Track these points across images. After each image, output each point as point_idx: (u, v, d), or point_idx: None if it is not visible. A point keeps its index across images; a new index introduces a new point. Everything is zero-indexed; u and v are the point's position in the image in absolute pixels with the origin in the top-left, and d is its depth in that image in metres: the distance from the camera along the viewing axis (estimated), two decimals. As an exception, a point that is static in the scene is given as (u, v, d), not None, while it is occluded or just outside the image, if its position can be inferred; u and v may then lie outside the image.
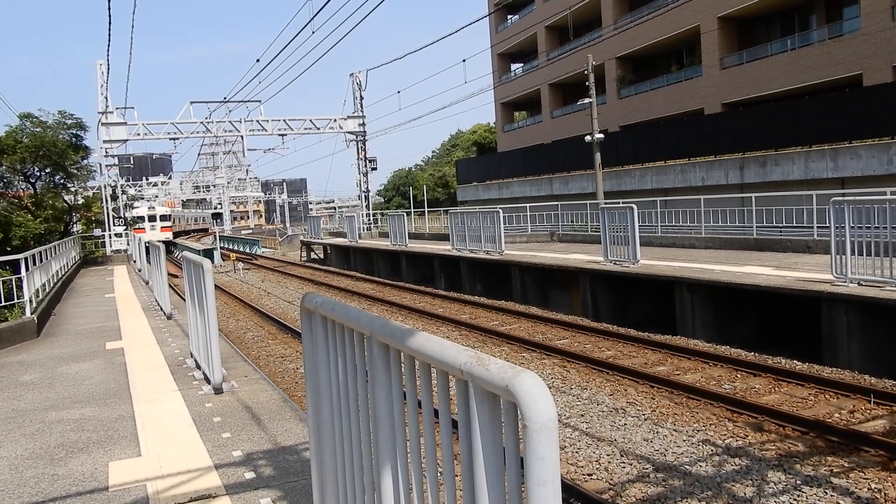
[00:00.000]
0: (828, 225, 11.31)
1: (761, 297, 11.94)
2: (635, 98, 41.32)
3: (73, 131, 29.92)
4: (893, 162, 22.51)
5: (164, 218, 54.61)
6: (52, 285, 15.46)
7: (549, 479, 1.33)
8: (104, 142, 33.03)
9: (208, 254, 37.29)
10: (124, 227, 33.24)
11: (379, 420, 2.08)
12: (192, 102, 35.43)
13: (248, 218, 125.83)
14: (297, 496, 3.88)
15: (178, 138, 35.49)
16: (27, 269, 11.33)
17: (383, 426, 2.06)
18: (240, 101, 35.07)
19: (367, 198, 41.37)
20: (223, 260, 40.10)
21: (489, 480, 1.53)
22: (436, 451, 1.87)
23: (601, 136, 29.33)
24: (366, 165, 40.38)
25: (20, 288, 11.15)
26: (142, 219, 50.46)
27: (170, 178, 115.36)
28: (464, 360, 1.57)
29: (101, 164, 33.47)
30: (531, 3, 49.79)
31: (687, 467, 6.86)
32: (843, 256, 10.69)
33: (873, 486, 6.19)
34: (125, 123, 33.58)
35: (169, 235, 51.14)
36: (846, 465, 6.68)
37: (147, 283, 17.86)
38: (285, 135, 37.61)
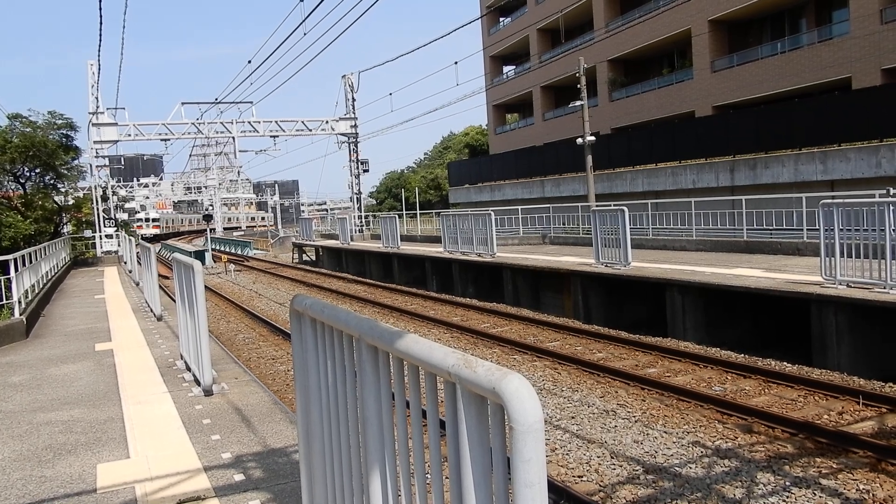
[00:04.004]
0: (817, 227, 11.38)
1: (752, 299, 12.00)
2: (627, 100, 41.45)
3: (63, 131, 29.77)
4: (882, 165, 22.67)
5: (155, 220, 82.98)
6: (41, 286, 15.37)
7: (536, 480, 1.34)
8: (95, 142, 32.81)
9: (199, 255, 37.17)
10: (115, 229, 33.06)
11: (368, 422, 2.08)
12: (183, 103, 35.24)
13: (240, 220, 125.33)
14: (286, 498, 3.87)
15: (169, 139, 35.32)
16: (16, 269, 11.26)
17: (372, 428, 2.06)
18: (231, 103, 34.97)
19: (359, 200, 41.30)
20: (214, 261, 39.97)
21: (476, 482, 1.53)
22: (424, 452, 1.88)
23: (593, 138, 29.39)
24: (358, 167, 40.30)
25: (9, 289, 11.08)
26: (140, 219, 77.17)
27: (161, 179, 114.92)
28: (451, 363, 1.57)
29: (91, 165, 33.26)
30: (523, 5, 49.89)
31: (677, 469, 6.88)
32: (833, 259, 10.75)
33: (861, 486, 6.23)
34: (116, 124, 33.37)
35: (157, 231, 78.78)
36: (835, 466, 6.72)
37: (137, 284, 17.78)
38: (277, 136, 37.50)
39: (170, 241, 66.69)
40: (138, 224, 72.97)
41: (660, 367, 11.00)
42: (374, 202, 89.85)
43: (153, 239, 69.67)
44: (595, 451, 7.46)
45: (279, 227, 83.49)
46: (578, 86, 29.51)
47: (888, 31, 26.63)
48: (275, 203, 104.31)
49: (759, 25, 34.30)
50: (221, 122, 35.94)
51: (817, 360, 10.42)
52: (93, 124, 32.57)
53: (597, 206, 21.16)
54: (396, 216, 28.67)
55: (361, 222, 40.33)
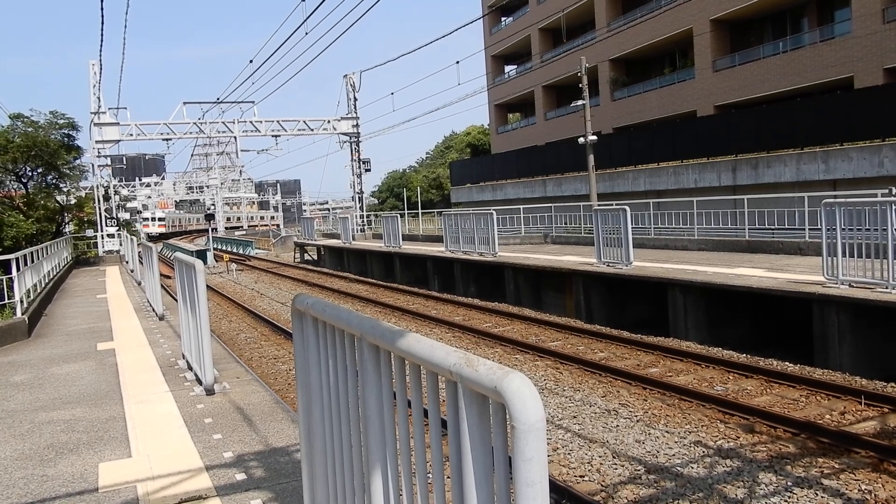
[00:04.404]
0: (819, 227, 11.36)
1: (754, 298, 11.98)
2: (628, 100, 41.42)
3: (65, 131, 29.83)
4: (884, 164, 22.63)
5: (161, 219, 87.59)
6: (43, 286, 15.39)
7: (537, 480, 1.34)
8: (97, 142, 32.83)
9: (201, 255, 37.18)
10: (117, 228, 33.09)
11: (369, 421, 2.08)
12: (185, 103, 35.24)
13: (242, 219, 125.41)
14: (287, 497, 3.88)
15: (171, 139, 35.33)
16: (18, 269, 11.28)
17: (373, 427, 2.06)
18: (233, 102, 35.03)
19: (360, 199, 41.32)
20: (216, 261, 39.99)
21: (478, 481, 1.53)
22: (425, 451, 1.87)
23: (594, 137, 29.39)
24: (360, 167, 40.30)
25: (11, 288, 11.10)
26: (147, 218, 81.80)
27: (163, 178, 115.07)
28: (453, 361, 1.57)
29: (93, 165, 33.31)
30: (525, 5, 49.87)
31: (678, 469, 6.87)
32: (835, 258, 10.73)
33: (863, 487, 6.22)
34: (118, 124, 33.40)
35: (163, 230, 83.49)
36: (837, 466, 6.71)
37: (139, 283, 17.80)
38: (279, 136, 37.51)
39: (172, 241, 66.84)
40: (145, 223, 79.59)
41: (662, 366, 10.99)
42: (376, 201, 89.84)
43: (158, 237, 72.40)
44: (597, 451, 7.46)
45: (282, 226, 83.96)
46: (580, 85, 29.51)
47: (890, 31, 26.59)
48: (277, 203, 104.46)
49: (761, 25, 34.26)
50: (223, 122, 35.97)
51: (819, 359, 10.40)
52: (95, 124, 32.59)
53: (598, 205, 21.14)
54: (398, 216, 28.67)
55: (363, 222, 40.35)
